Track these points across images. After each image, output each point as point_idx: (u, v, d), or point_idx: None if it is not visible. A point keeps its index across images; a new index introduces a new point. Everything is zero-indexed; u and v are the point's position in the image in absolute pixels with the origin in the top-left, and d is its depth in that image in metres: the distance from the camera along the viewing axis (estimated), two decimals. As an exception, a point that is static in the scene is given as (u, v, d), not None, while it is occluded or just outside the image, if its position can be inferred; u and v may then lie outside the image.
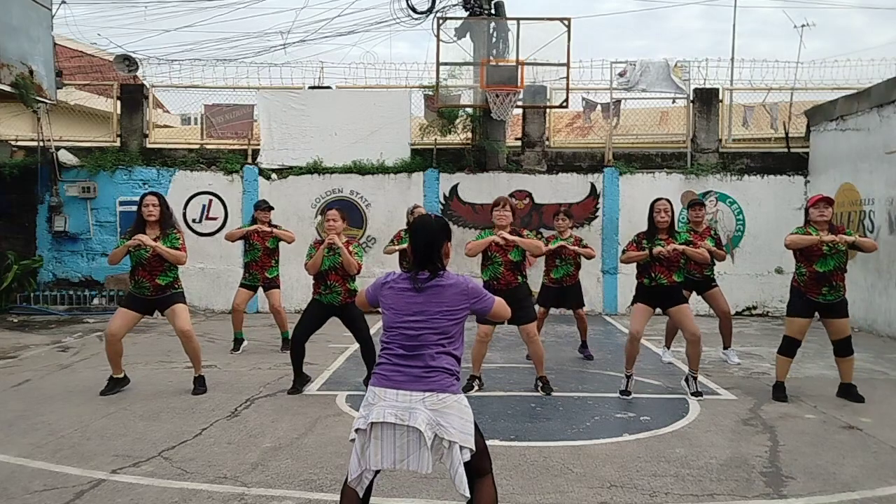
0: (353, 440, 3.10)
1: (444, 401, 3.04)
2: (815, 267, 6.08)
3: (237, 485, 4.24)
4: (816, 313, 6.25)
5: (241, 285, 8.60)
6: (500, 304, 3.35)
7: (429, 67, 16.49)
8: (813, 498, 4.12)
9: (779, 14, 62.00)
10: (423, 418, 2.97)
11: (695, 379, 6.46)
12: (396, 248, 8.27)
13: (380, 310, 3.31)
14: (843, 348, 6.25)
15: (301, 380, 6.57)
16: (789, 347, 6.32)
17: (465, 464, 3.04)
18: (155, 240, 6.25)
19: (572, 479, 4.37)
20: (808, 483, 4.34)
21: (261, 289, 8.64)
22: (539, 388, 6.57)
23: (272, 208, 8.67)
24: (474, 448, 3.06)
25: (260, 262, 8.46)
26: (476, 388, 6.53)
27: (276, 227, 8.60)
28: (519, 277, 6.38)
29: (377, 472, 3.12)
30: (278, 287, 8.69)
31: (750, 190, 12.45)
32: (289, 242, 8.62)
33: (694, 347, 6.33)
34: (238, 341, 8.67)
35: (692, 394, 6.38)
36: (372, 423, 3.00)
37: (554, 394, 6.54)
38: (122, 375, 6.53)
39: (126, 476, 4.36)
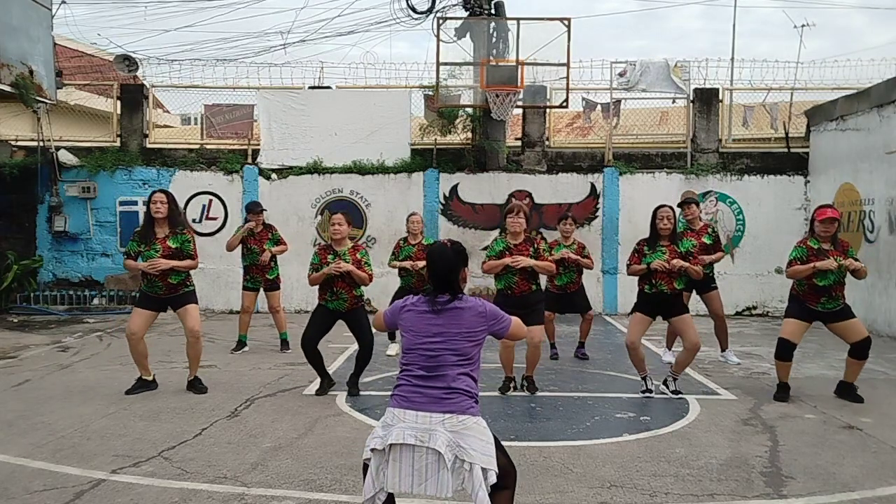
0: (366, 459, 3.08)
1: (464, 423, 3.03)
2: (815, 280, 6.10)
3: (237, 485, 4.24)
4: (818, 322, 6.28)
5: (245, 288, 8.64)
6: (516, 325, 3.40)
7: (429, 67, 16.52)
8: (813, 498, 4.12)
9: (779, 14, 62.05)
10: (443, 440, 2.95)
11: (675, 380, 6.52)
12: (399, 263, 8.25)
13: (399, 333, 3.32)
14: (861, 350, 6.21)
15: (328, 381, 6.58)
16: (784, 350, 6.28)
17: None
18: (164, 238, 6.28)
19: (572, 479, 4.38)
20: (808, 483, 4.34)
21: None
22: (524, 388, 6.59)
23: (264, 210, 8.73)
24: (497, 469, 3.04)
25: (259, 265, 8.49)
26: (513, 388, 6.58)
27: (271, 227, 8.68)
28: (533, 286, 6.40)
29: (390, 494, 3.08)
30: (278, 288, 8.76)
31: (750, 190, 12.45)
32: (281, 253, 8.69)
33: (689, 356, 6.38)
34: (241, 343, 8.71)
35: (672, 392, 6.44)
36: (391, 445, 2.98)
37: (554, 394, 6.55)
38: (151, 378, 6.55)
39: (126, 476, 4.36)
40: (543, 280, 8.43)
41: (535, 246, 6.35)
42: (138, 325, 6.32)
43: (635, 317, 6.44)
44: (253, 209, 8.58)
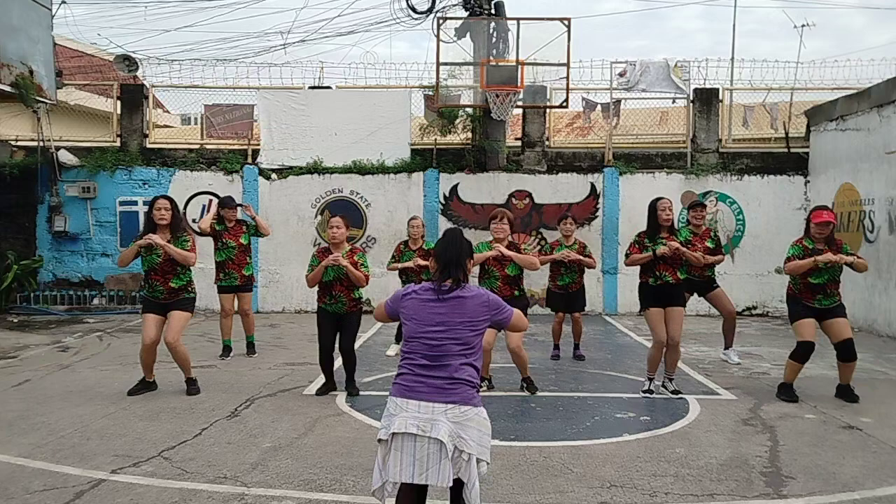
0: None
1: (466, 413, 3.05)
2: (809, 279, 6.15)
3: (237, 485, 4.24)
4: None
5: (220, 290, 8.27)
6: (517, 316, 3.41)
7: (429, 67, 16.53)
8: (813, 498, 4.12)
9: (779, 14, 62.01)
10: (445, 430, 2.96)
11: (671, 380, 6.55)
12: (399, 265, 8.17)
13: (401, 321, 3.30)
14: (846, 352, 6.20)
15: (331, 385, 6.62)
16: (805, 353, 6.23)
17: None
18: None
19: (572, 479, 4.38)
20: (808, 483, 4.34)
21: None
22: (524, 388, 6.62)
23: (240, 205, 8.58)
24: (489, 462, 3.06)
25: (236, 260, 8.17)
26: (485, 388, 6.58)
27: (244, 222, 8.38)
28: (515, 291, 6.43)
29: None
30: (251, 290, 8.47)
31: (750, 190, 12.45)
32: (265, 234, 8.66)
33: (672, 353, 6.46)
34: (227, 348, 8.38)
35: (671, 392, 6.47)
36: (393, 434, 2.99)
37: (554, 394, 6.55)
38: (152, 379, 6.58)
39: (126, 476, 4.37)
40: (545, 279, 8.46)
41: (518, 249, 6.42)
42: (153, 331, 6.31)
43: (652, 314, 6.42)
44: (227, 203, 8.31)
